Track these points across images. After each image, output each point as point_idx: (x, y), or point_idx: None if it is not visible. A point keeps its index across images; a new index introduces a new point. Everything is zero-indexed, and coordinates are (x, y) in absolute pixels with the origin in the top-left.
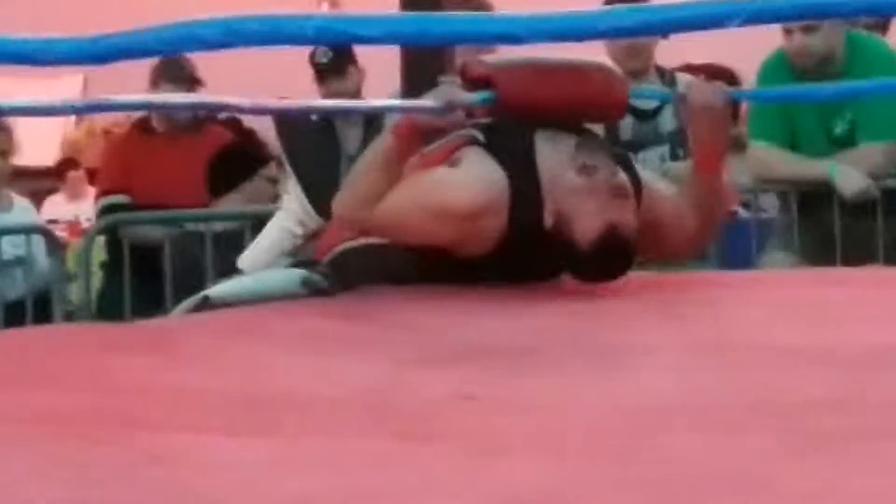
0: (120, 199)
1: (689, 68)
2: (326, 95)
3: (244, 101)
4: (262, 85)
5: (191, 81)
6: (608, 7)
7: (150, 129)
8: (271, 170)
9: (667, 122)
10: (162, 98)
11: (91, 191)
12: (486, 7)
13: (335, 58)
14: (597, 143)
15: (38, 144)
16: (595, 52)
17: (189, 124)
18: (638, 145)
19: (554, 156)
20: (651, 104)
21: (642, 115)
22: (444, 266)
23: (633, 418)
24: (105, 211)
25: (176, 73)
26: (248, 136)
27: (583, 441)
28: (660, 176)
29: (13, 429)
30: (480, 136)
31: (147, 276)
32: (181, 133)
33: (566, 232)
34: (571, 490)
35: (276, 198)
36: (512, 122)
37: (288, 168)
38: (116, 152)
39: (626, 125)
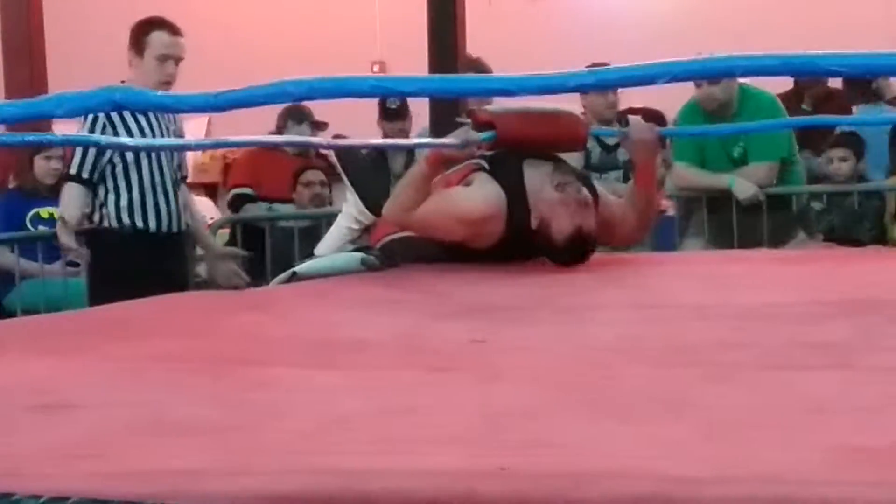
0: (246, 190)
1: (631, 111)
2: (390, 131)
3: (322, 140)
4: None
5: (310, 121)
6: (576, 70)
7: (276, 148)
8: (308, 176)
9: (622, 154)
10: (262, 138)
11: (204, 202)
12: (486, 69)
13: (401, 105)
14: (567, 167)
15: None
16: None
17: (301, 150)
18: (603, 168)
19: (537, 177)
20: (613, 140)
21: (606, 148)
22: (460, 253)
23: (589, 356)
24: (235, 197)
25: (298, 116)
26: (324, 158)
27: (554, 373)
28: (609, 190)
29: (157, 364)
30: (485, 164)
31: (254, 257)
32: (295, 154)
33: (546, 231)
34: (545, 407)
35: (317, 197)
36: (507, 154)
37: (346, 181)
38: (248, 160)
39: (596, 154)
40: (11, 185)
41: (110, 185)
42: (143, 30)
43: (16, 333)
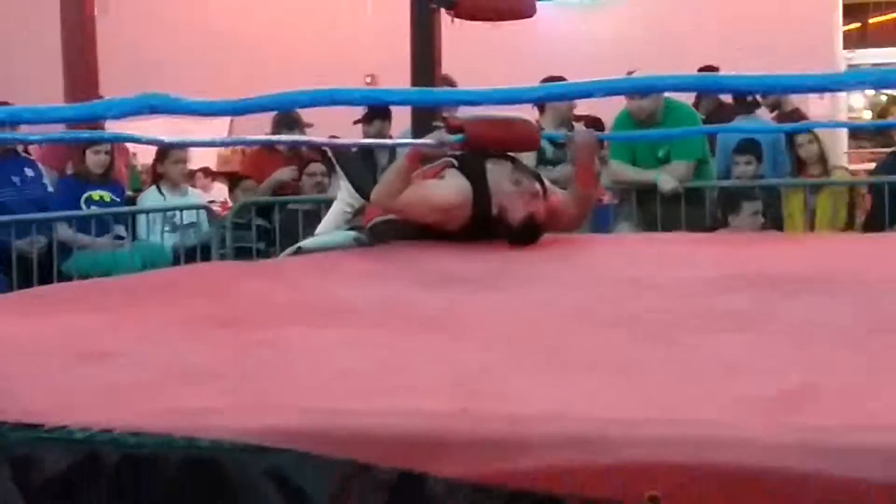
0: (249, 182)
1: (576, 118)
2: (371, 132)
3: (322, 139)
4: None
5: (300, 125)
6: (533, 85)
7: (275, 150)
8: (312, 168)
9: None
10: (276, 137)
11: (213, 185)
12: (453, 83)
13: (382, 109)
14: (522, 166)
15: (203, 155)
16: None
17: (296, 150)
18: (556, 162)
19: (497, 173)
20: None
21: (558, 145)
22: (434, 234)
23: (540, 320)
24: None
25: (289, 123)
26: (324, 154)
27: (510, 334)
28: (562, 177)
29: (185, 321)
30: (455, 162)
31: (265, 234)
32: (292, 154)
33: (504, 216)
34: (501, 363)
35: (319, 185)
36: (474, 153)
37: (339, 172)
38: (254, 160)
39: (549, 151)
40: (69, 173)
41: None
42: None
43: (70, 294)
